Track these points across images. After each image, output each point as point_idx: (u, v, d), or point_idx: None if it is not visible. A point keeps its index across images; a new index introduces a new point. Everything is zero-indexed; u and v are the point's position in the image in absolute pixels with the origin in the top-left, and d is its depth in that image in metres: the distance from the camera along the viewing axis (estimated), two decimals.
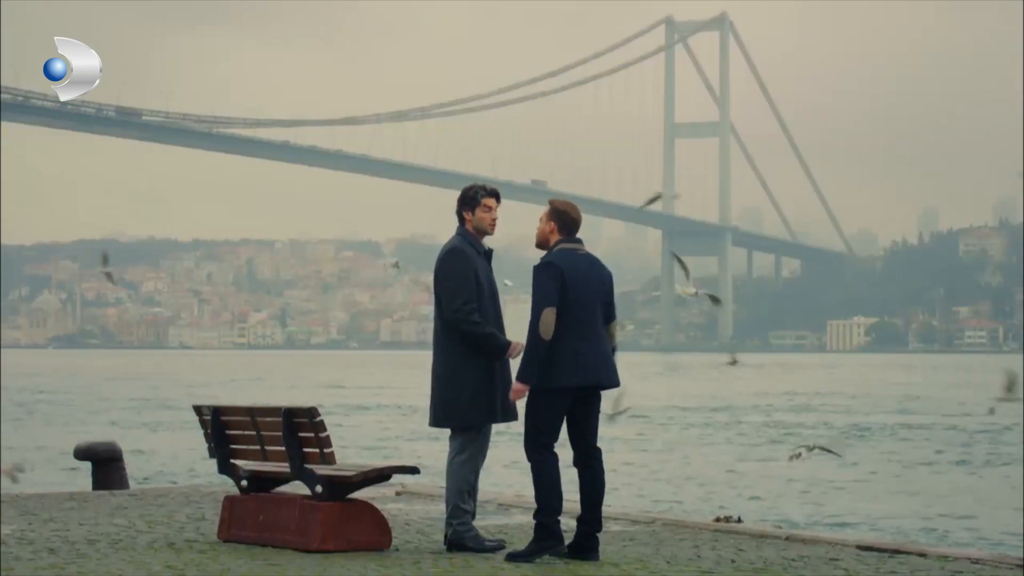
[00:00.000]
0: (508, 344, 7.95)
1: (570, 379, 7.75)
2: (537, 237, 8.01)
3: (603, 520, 7.99)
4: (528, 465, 7.88)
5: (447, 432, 8.17)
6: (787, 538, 8.91)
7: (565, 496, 7.88)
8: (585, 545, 7.87)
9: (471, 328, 7.92)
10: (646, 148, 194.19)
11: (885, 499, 22.50)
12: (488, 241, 8.27)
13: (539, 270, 7.80)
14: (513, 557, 7.82)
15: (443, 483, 8.30)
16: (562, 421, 7.83)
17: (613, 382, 7.90)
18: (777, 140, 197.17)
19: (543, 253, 7.96)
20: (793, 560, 8.01)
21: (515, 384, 7.77)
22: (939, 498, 22.90)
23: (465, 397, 7.95)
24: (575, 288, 7.76)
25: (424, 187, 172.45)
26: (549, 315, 7.69)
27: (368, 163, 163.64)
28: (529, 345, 7.71)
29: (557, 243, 7.92)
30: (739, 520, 10.58)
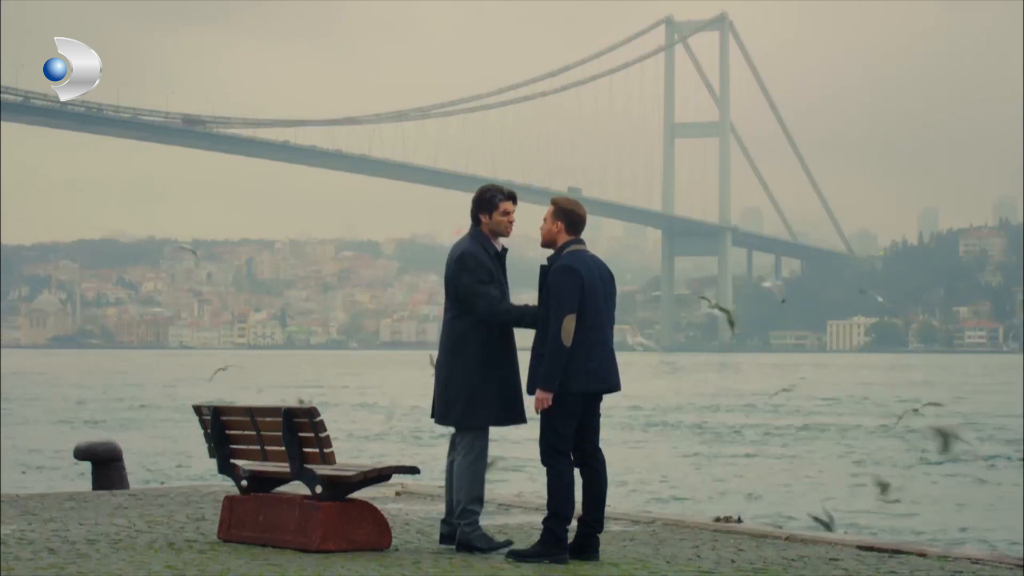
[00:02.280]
0: (525, 309, 7.98)
1: (586, 384, 7.74)
2: (543, 236, 7.95)
3: (603, 520, 7.99)
4: (536, 468, 7.87)
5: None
6: (787, 538, 8.91)
7: (575, 499, 7.86)
8: (585, 545, 7.88)
9: (507, 318, 7.95)
10: (646, 148, 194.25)
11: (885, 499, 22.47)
12: None
13: (561, 275, 7.73)
14: (515, 555, 7.82)
15: (441, 483, 8.29)
16: (576, 425, 7.83)
17: (619, 385, 7.92)
18: (777, 140, 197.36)
19: (548, 252, 7.93)
20: (793, 560, 8.01)
21: (539, 393, 7.72)
22: (939, 498, 22.89)
23: (484, 398, 7.96)
24: (590, 293, 7.74)
25: (424, 187, 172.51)
26: (571, 323, 7.66)
27: (368, 163, 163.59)
28: (551, 353, 7.66)
29: (566, 244, 7.88)
30: (739, 520, 10.58)
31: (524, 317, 7.95)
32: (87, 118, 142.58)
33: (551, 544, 7.77)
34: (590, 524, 7.87)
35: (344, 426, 37.26)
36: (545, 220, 7.94)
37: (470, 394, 7.97)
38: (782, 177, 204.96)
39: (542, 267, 7.90)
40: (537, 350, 7.81)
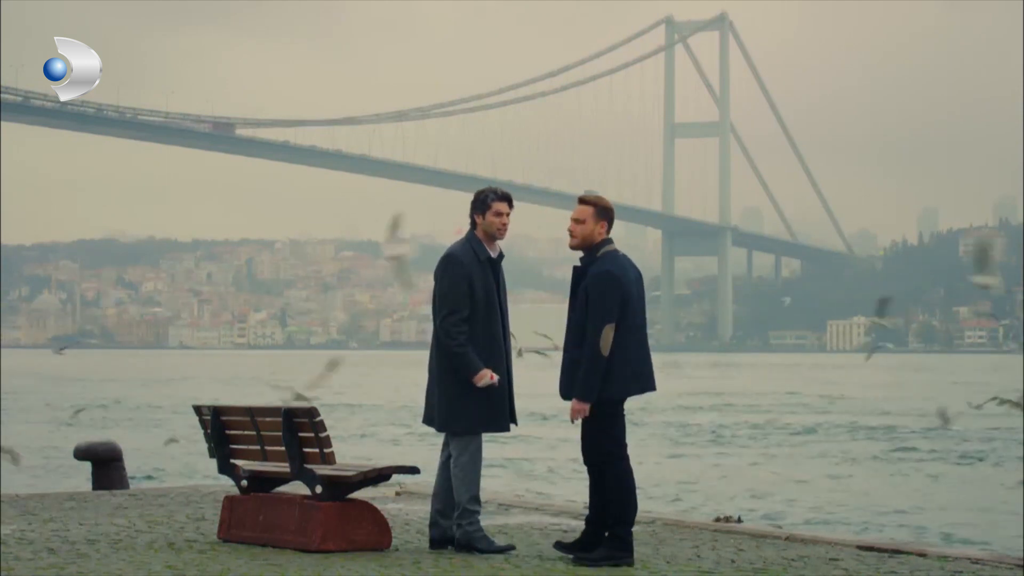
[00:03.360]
0: (478, 371, 7.85)
1: (629, 389, 7.68)
2: (578, 237, 7.73)
3: None
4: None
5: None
6: (787, 538, 8.91)
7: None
8: (597, 544, 7.83)
9: (448, 342, 7.90)
10: (646, 148, 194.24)
11: (885, 499, 22.49)
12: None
13: (602, 282, 7.59)
14: (580, 560, 7.74)
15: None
16: (624, 426, 7.76)
17: (655, 386, 7.86)
18: (777, 140, 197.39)
19: (571, 252, 7.84)
20: (793, 560, 8.00)
21: (576, 404, 7.61)
22: (939, 498, 22.88)
23: (468, 403, 7.92)
24: (628, 297, 7.65)
25: (424, 187, 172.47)
26: (610, 332, 7.55)
27: (368, 163, 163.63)
28: (589, 364, 7.55)
29: (601, 244, 7.75)
30: (739, 520, 10.58)
31: (458, 357, 7.84)
32: (87, 118, 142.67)
33: (619, 548, 7.71)
34: (601, 524, 7.84)
35: (340, 425, 37.31)
36: (582, 220, 7.74)
37: (454, 398, 7.94)
38: (782, 177, 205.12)
39: (576, 268, 7.78)
40: (570, 356, 7.69)
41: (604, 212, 7.77)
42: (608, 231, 7.78)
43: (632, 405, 8.01)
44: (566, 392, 7.70)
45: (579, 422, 7.76)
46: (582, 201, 7.83)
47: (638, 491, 7.86)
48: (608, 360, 7.57)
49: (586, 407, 7.60)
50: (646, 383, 7.76)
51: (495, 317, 8.01)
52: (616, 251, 7.76)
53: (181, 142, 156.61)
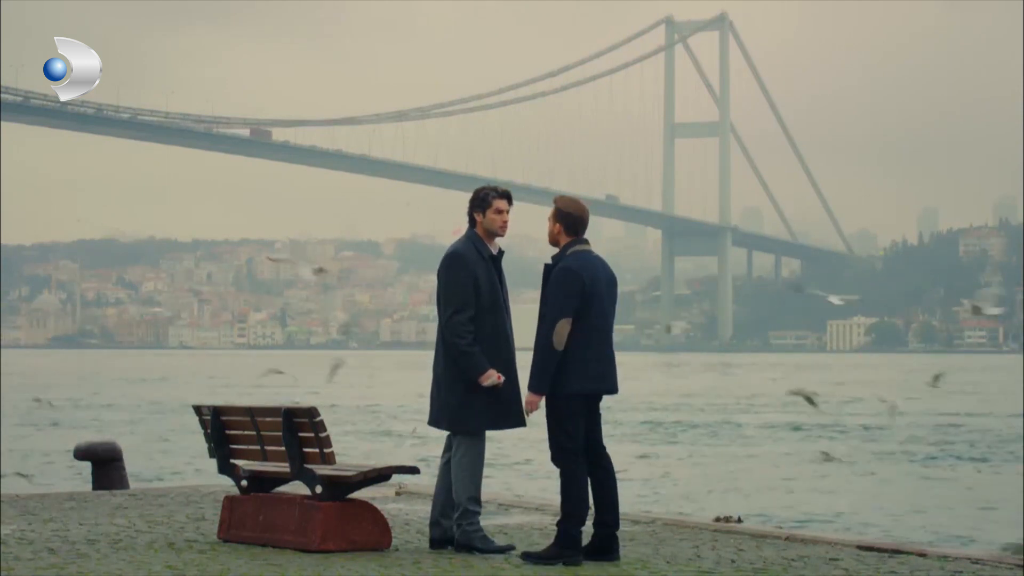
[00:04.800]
0: (484, 371, 7.85)
1: (583, 386, 7.70)
2: (548, 236, 7.91)
3: (619, 519, 7.95)
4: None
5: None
6: (787, 538, 8.91)
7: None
8: (607, 547, 7.84)
9: (456, 341, 7.89)
10: (646, 148, 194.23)
11: (884, 499, 22.49)
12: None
13: (561, 276, 7.68)
14: (530, 557, 7.76)
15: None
16: (584, 424, 7.78)
17: (616, 388, 7.88)
18: (777, 140, 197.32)
19: (554, 250, 7.89)
20: (793, 560, 8.00)
21: (528, 396, 7.69)
22: (938, 498, 22.88)
23: (477, 401, 7.91)
24: (593, 295, 7.69)
25: (424, 187, 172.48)
26: (564, 327, 7.61)
27: (368, 163, 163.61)
28: (540, 355, 7.62)
29: (568, 244, 7.83)
30: (739, 520, 10.57)
31: (464, 357, 7.84)
32: (87, 118, 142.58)
33: (567, 545, 7.71)
34: (609, 524, 7.84)
35: (341, 425, 37.30)
36: (549, 220, 7.90)
37: (461, 397, 7.93)
38: (782, 177, 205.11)
39: (546, 266, 7.85)
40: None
41: (559, 214, 7.85)
42: (569, 232, 7.83)
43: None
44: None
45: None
46: (553, 202, 7.95)
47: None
48: (567, 355, 7.62)
49: (538, 399, 7.66)
50: (604, 384, 7.78)
51: (500, 314, 8.01)
52: (586, 252, 7.81)
53: (181, 142, 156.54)
